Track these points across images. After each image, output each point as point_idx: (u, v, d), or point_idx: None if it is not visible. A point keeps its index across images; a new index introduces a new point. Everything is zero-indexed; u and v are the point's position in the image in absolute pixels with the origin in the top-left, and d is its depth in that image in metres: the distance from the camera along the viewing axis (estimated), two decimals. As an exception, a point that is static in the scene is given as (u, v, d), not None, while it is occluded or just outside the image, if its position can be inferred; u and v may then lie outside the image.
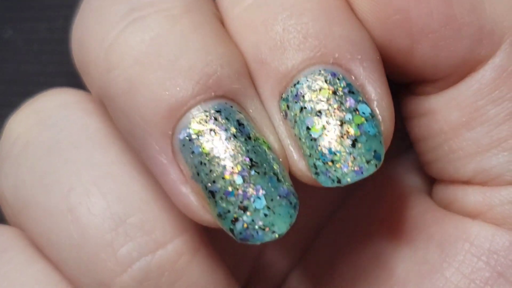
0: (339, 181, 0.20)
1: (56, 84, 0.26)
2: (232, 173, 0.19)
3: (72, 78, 0.25)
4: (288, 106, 0.20)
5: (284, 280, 0.27)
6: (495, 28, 0.21)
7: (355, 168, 0.19)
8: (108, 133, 0.22)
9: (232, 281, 0.23)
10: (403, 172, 0.26)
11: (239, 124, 0.20)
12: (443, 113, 0.22)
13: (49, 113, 0.23)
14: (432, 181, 0.25)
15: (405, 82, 0.23)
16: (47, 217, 0.21)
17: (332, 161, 0.20)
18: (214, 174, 0.20)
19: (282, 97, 0.20)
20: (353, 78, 0.20)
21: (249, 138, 0.20)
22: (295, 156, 0.21)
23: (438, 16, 0.20)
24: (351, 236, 0.25)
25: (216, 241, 0.22)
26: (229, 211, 0.19)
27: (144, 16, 0.20)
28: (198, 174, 0.20)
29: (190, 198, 0.20)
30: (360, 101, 0.20)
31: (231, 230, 0.20)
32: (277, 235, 0.19)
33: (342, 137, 0.20)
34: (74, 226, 0.21)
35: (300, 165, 0.20)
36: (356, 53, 0.20)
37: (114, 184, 0.21)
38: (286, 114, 0.20)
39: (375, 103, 0.20)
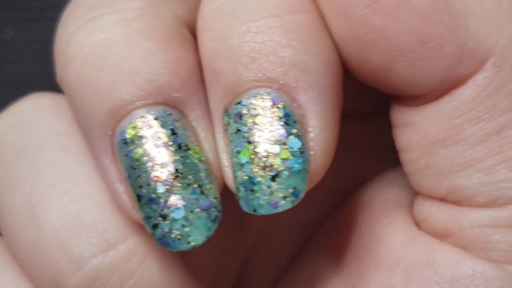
0: (254, 210, 0.20)
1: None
2: (156, 181, 0.20)
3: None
4: (229, 122, 0.21)
5: None
6: (477, 47, 0.20)
7: (271, 202, 0.20)
8: (74, 135, 0.23)
9: (194, 282, 0.23)
10: (385, 185, 0.25)
11: (173, 133, 0.20)
12: (422, 127, 0.21)
13: (24, 116, 0.23)
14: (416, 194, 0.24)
15: (388, 94, 0.22)
16: (11, 218, 0.22)
17: (252, 190, 0.20)
18: (141, 180, 0.20)
19: (226, 111, 0.21)
20: (296, 106, 0.20)
21: (180, 148, 0.20)
22: (228, 172, 0.21)
23: (416, 36, 0.20)
24: (331, 251, 0.25)
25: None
26: (151, 217, 0.20)
27: (99, 15, 0.21)
28: (129, 177, 0.20)
29: (123, 197, 0.21)
30: (292, 133, 0.20)
31: (153, 234, 0.20)
32: (192, 246, 0.20)
33: (264, 169, 0.20)
34: (32, 227, 0.21)
35: (230, 181, 0.21)
36: (304, 81, 0.20)
37: (71, 185, 0.22)
38: (227, 129, 0.21)
39: (312, 135, 0.20)
